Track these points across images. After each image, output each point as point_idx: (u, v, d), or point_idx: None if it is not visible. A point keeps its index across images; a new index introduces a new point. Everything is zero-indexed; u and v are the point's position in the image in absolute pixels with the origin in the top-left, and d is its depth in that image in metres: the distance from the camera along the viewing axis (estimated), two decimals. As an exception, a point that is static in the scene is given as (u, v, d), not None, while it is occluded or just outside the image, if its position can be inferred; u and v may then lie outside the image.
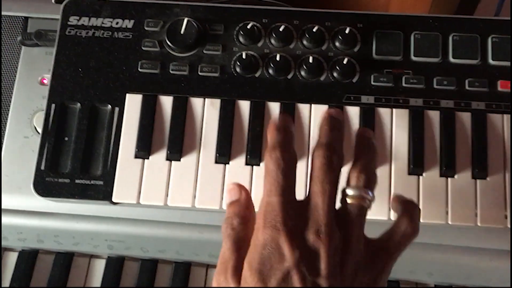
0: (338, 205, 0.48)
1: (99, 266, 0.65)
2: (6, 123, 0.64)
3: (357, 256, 0.45)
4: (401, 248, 0.48)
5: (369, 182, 0.48)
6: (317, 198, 0.45)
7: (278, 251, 0.43)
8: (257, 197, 0.55)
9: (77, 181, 0.57)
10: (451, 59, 0.60)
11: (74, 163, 0.58)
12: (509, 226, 0.55)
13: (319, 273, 0.43)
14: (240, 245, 0.47)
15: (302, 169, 0.57)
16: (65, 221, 0.62)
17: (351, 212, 0.47)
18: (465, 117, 0.58)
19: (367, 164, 0.49)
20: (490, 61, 0.59)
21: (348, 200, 0.47)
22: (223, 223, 0.49)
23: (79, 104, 0.59)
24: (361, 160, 0.49)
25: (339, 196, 0.48)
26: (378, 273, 0.46)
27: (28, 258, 0.65)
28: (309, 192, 0.47)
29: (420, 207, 0.55)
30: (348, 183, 0.48)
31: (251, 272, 0.44)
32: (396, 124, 0.58)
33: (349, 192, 0.47)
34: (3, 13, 0.67)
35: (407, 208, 0.50)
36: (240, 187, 0.51)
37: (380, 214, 0.56)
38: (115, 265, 0.64)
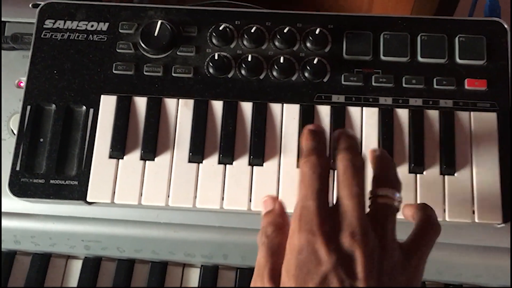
0: (367, 208, 0.48)
1: (76, 267, 0.65)
2: (-17, 126, 0.64)
3: (393, 257, 0.46)
4: (430, 247, 0.49)
5: (396, 184, 0.49)
6: (347, 202, 0.45)
7: (314, 255, 0.44)
8: (230, 194, 0.57)
9: (52, 181, 0.58)
10: (420, 59, 0.61)
11: (49, 163, 0.58)
12: (476, 220, 0.56)
13: (356, 276, 0.43)
14: (275, 251, 0.47)
15: (273, 167, 0.58)
16: (42, 222, 0.62)
17: (383, 212, 0.47)
18: (434, 115, 0.59)
19: (390, 168, 0.50)
20: (458, 60, 0.61)
21: (378, 201, 0.48)
22: (259, 233, 0.50)
23: (54, 106, 0.60)
24: (383, 165, 0.50)
25: (367, 199, 0.48)
26: (413, 273, 0.47)
27: (6, 259, 0.65)
28: (338, 197, 0.47)
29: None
30: (376, 184, 0.49)
31: (289, 277, 0.44)
32: (366, 123, 0.59)
33: (379, 192, 0.48)
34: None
35: (425, 211, 0.50)
36: (274, 198, 0.52)
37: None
38: (92, 265, 0.65)
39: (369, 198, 0.48)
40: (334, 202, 0.47)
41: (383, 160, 0.51)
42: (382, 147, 0.58)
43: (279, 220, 0.50)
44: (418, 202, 0.57)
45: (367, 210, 0.47)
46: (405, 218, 0.53)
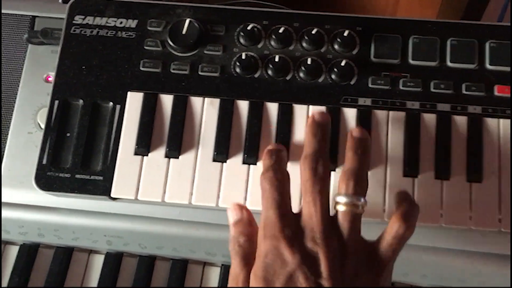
0: (332, 211, 0.50)
1: (98, 262, 0.66)
2: (11, 119, 0.65)
3: (355, 258, 0.48)
4: (395, 248, 0.49)
5: (360, 188, 0.50)
6: (310, 208, 0.49)
7: (279, 257, 0.47)
8: (253, 194, 0.57)
9: (77, 176, 0.58)
10: (449, 63, 0.60)
11: (75, 158, 0.59)
12: (502, 229, 0.55)
13: (320, 274, 0.46)
14: (248, 260, 0.50)
15: (297, 169, 0.57)
16: (66, 216, 0.63)
17: (344, 220, 0.49)
18: (461, 121, 0.58)
19: (357, 169, 0.51)
20: (488, 66, 0.60)
21: (340, 208, 0.50)
22: (230, 242, 0.52)
23: (81, 101, 0.61)
24: (351, 165, 0.51)
25: (332, 203, 0.50)
26: (378, 273, 0.48)
27: (29, 252, 0.66)
28: (302, 203, 0.50)
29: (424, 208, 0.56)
30: (339, 190, 0.50)
31: (257, 280, 0.47)
32: (392, 127, 0.59)
33: (340, 199, 0.50)
34: (10, 11, 0.69)
35: (402, 207, 0.51)
36: (241, 206, 0.55)
37: (375, 215, 0.56)
38: (114, 260, 0.65)
39: (334, 204, 0.50)
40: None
41: (355, 152, 0.52)
42: (408, 152, 0.57)
43: (249, 229, 0.52)
44: (444, 208, 0.56)
45: (333, 212, 0.50)
46: None
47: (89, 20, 0.64)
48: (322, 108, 0.59)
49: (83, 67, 0.62)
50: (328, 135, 0.55)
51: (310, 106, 0.60)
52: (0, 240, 0.66)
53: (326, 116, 0.55)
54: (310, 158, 0.51)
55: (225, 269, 0.65)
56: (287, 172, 0.52)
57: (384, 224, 0.55)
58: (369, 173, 0.57)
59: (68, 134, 0.60)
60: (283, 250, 0.47)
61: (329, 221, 0.49)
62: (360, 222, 0.50)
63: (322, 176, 0.50)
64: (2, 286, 0.64)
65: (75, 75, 0.62)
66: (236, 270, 0.50)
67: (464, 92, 0.59)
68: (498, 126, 0.58)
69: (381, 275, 0.48)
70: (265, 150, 0.55)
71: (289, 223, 0.49)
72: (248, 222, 0.53)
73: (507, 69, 0.60)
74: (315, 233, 0.48)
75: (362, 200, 0.50)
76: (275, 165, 0.52)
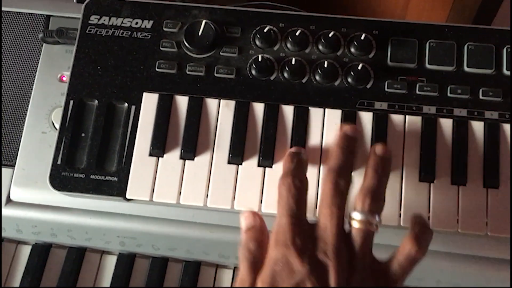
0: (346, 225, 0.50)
1: (111, 262, 0.65)
2: (25, 119, 0.65)
3: (364, 274, 0.48)
4: (405, 269, 0.50)
5: (376, 207, 0.50)
6: (326, 221, 0.49)
7: (288, 267, 0.47)
8: (268, 197, 0.57)
9: (92, 176, 0.58)
10: (466, 68, 0.60)
11: (89, 159, 0.59)
12: (519, 235, 0.55)
13: (328, 285, 0.46)
14: (257, 266, 0.49)
15: (313, 172, 0.57)
16: (79, 216, 0.63)
17: (357, 236, 0.49)
18: (478, 126, 0.58)
19: (375, 187, 0.51)
20: (505, 71, 0.60)
21: (355, 225, 0.50)
22: (240, 248, 0.51)
23: (96, 101, 0.61)
24: (369, 182, 0.52)
25: (347, 219, 0.50)
26: None
27: (41, 251, 0.65)
28: (318, 214, 0.50)
29: (430, 214, 0.56)
30: (355, 207, 0.51)
31: (263, 286, 0.47)
32: (408, 131, 0.59)
33: (356, 216, 0.50)
34: (25, 10, 0.69)
35: (416, 230, 0.51)
36: (254, 214, 0.54)
37: (390, 220, 0.56)
38: (126, 261, 0.65)
39: (348, 220, 0.50)
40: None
41: (375, 170, 0.52)
42: (424, 157, 0.57)
43: (260, 236, 0.52)
44: (460, 214, 0.56)
45: (347, 226, 0.50)
46: None
47: (105, 20, 0.63)
48: (338, 112, 0.59)
49: (99, 67, 0.62)
50: (355, 149, 0.54)
51: (326, 110, 0.60)
52: (0, 238, 0.65)
53: (356, 130, 0.55)
54: (334, 172, 0.51)
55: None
56: (306, 178, 0.52)
57: (400, 229, 0.55)
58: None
59: (83, 135, 0.60)
60: (293, 260, 0.47)
61: (342, 236, 0.49)
62: (372, 240, 0.50)
63: (342, 191, 0.50)
64: (15, 286, 0.64)
65: (90, 75, 0.61)
66: (243, 275, 0.49)
67: (481, 97, 0.59)
68: (515, 131, 0.58)
69: None
70: (287, 153, 0.55)
71: (302, 232, 0.49)
72: (260, 229, 0.53)
73: (524, 73, 0.59)
74: (327, 246, 0.48)
75: (377, 218, 0.50)
76: (294, 171, 0.52)
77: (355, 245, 0.49)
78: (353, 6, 1.10)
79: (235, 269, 0.65)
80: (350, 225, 0.50)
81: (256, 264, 0.50)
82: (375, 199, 0.50)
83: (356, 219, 0.50)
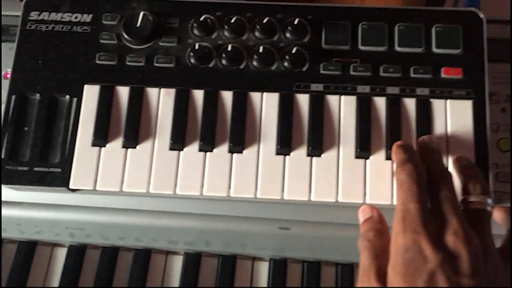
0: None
1: (61, 254, 0.66)
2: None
3: (495, 259, 0.48)
4: None
5: (486, 190, 0.52)
6: (445, 205, 0.49)
7: (421, 254, 0.46)
8: (210, 181, 0.58)
9: (35, 168, 0.59)
10: (397, 48, 0.62)
11: (33, 151, 0.60)
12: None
13: (463, 273, 0.45)
14: (378, 254, 0.49)
15: (253, 154, 0.59)
16: (27, 209, 0.64)
17: (479, 216, 0.50)
18: (410, 103, 0.60)
19: (478, 176, 0.53)
20: (434, 49, 0.62)
21: (473, 207, 0.51)
22: (359, 239, 0.51)
23: (38, 95, 0.61)
24: (471, 173, 0.54)
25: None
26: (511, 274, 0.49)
27: (-8, 247, 0.66)
28: (434, 203, 0.50)
29: (367, 190, 0.58)
30: (467, 193, 0.52)
31: (396, 275, 0.46)
32: (344, 111, 0.60)
33: (472, 199, 0.51)
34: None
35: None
36: (372, 207, 0.54)
37: (328, 196, 0.58)
38: (77, 253, 0.66)
39: (462, 205, 0.51)
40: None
41: (470, 168, 0.55)
42: (360, 135, 0.59)
43: (379, 225, 0.52)
44: (395, 187, 0.58)
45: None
46: (495, 220, 0.55)
47: (45, 16, 0.64)
48: (276, 95, 0.61)
49: (40, 62, 0.62)
50: (441, 150, 0.56)
51: (264, 94, 0.61)
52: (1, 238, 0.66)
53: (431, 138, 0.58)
54: (438, 160, 0.53)
55: (188, 257, 0.66)
56: (424, 167, 0.52)
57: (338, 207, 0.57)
58: (322, 156, 0.59)
59: (26, 128, 0.61)
60: (425, 246, 0.46)
61: (466, 221, 0.48)
62: (491, 223, 0.51)
63: (450, 177, 0.51)
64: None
65: (32, 70, 0.62)
66: (366, 264, 0.49)
67: (412, 75, 0.61)
68: (445, 107, 0.60)
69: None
70: (394, 146, 0.55)
71: (430, 219, 0.48)
72: (378, 219, 0.53)
73: (453, 51, 0.61)
74: (457, 229, 0.47)
75: (490, 201, 0.51)
76: (412, 158, 0.52)
77: (479, 227, 0.49)
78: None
79: (185, 254, 0.66)
80: (467, 210, 0.51)
81: (377, 252, 0.49)
82: (484, 184, 0.53)
83: (474, 201, 0.51)
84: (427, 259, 0.45)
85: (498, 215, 0.55)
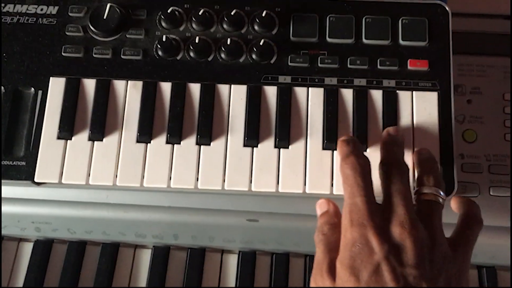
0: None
1: (28, 249, 0.66)
2: None
3: (442, 248, 0.48)
4: (475, 240, 0.52)
5: (440, 183, 0.53)
6: (396, 197, 0.49)
7: (367, 246, 0.47)
8: (178, 172, 0.58)
9: (-1, 162, 0.58)
10: (364, 40, 0.62)
11: (-3, 144, 0.59)
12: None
13: (408, 263, 0.46)
14: (332, 248, 0.50)
15: (221, 146, 0.59)
16: (-9, 204, 0.63)
17: (429, 207, 0.51)
18: (377, 95, 0.61)
19: (435, 169, 0.54)
20: (401, 41, 0.62)
21: (424, 198, 0.51)
22: (315, 232, 0.52)
23: (3, 88, 0.61)
24: (428, 166, 0.54)
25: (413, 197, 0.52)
26: (462, 264, 0.50)
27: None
28: (385, 194, 0.50)
29: (334, 180, 0.58)
30: (420, 184, 0.53)
31: (343, 268, 0.47)
32: (311, 102, 0.61)
33: (424, 190, 0.52)
34: None
35: (471, 207, 0.54)
36: (328, 200, 0.55)
37: (295, 187, 0.58)
38: (43, 247, 0.65)
39: (415, 196, 0.52)
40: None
41: (429, 161, 0.55)
42: (327, 126, 0.59)
43: (334, 219, 0.52)
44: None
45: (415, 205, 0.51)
46: (454, 210, 0.56)
47: (9, 8, 0.63)
48: (244, 87, 0.61)
49: (4, 54, 0.62)
50: (403, 143, 0.56)
51: (232, 86, 0.61)
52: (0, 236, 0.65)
53: (397, 130, 0.57)
54: (394, 153, 0.53)
55: (156, 250, 0.65)
56: (367, 158, 0.52)
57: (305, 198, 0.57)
58: (290, 147, 0.59)
59: (-10, 121, 0.60)
60: (371, 239, 0.47)
61: (414, 212, 0.49)
62: (441, 214, 0.51)
63: (405, 171, 0.52)
64: None
65: (-4, 62, 0.61)
66: (319, 258, 0.50)
67: (379, 67, 0.61)
68: (411, 98, 0.61)
69: (465, 266, 0.50)
70: (339, 141, 0.55)
71: (376, 211, 0.48)
72: (333, 213, 0.53)
73: (419, 43, 0.62)
74: (403, 220, 0.47)
75: (442, 193, 0.52)
76: (355, 151, 0.52)
77: (428, 218, 0.49)
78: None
79: (153, 248, 0.66)
80: (419, 201, 0.52)
81: (331, 246, 0.50)
82: (438, 176, 0.53)
83: (426, 192, 0.51)
84: (373, 251, 0.46)
85: (453, 205, 0.56)
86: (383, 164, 0.53)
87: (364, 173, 0.50)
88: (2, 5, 0.64)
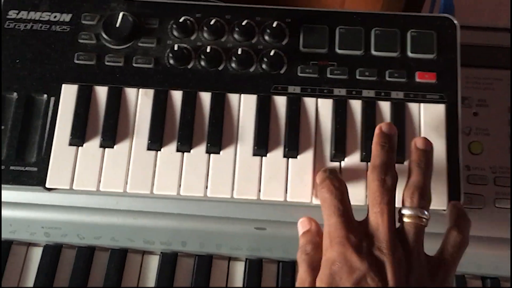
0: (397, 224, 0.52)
1: (37, 254, 0.66)
2: None
3: (420, 269, 0.49)
4: (455, 258, 0.52)
5: (423, 202, 0.52)
6: (377, 219, 0.50)
7: (347, 264, 0.48)
8: (188, 181, 0.58)
9: (11, 167, 0.59)
10: (373, 52, 0.63)
11: (9, 150, 0.59)
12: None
13: (387, 281, 0.47)
14: (314, 266, 0.51)
15: (230, 155, 0.59)
16: (2, 208, 0.63)
17: (409, 231, 0.51)
18: (385, 106, 0.61)
19: (421, 183, 0.52)
20: (409, 54, 0.63)
21: (405, 220, 0.51)
22: (298, 251, 0.53)
23: (15, 94, 0.61)
24: (415, 178, 0.53)
25: (396, 215, 0.52)
26: (441, 283, 0.50)
27: (-35, 247, 0.66)
28: (368, 213, 0.51)
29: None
30: (403, 203, 0.52)
31: (322, 285, 0.48)
32: (320, 113, 0.61)
33: (405, 212, 0.51)
34: None
35: (457, 221, 0.54)
36: (310, 219, 0.56)
37: (303, 197, 0.58)
38: (52, 252, 0.65)
39: (398, 216, 0.52)
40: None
41: (418, 164, 0.53)
42: (335, 137, 0.60)
43: (316, 238, 0.54)
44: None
45: (398, 224, 0.51)
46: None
47: (23, 14, 0.64)
48: (254, 97, 0.61)
49: (17, 60, 0.62)
50: (395, 146, 0.55)
51: (242, 95, 0.62)
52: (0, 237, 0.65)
53: (393, 127, 0.55)
54: (378, 169, 0.52)
55: (164, 257, 0.66)
56: (343, 181, 0.54)
57: (312, 207, 0.58)
58: (298, 157, 0.59)
59: (2, 127, 0.61)
60: (351, 257, 0.48)
61: (395, 232, 0.50)
62: (423, 235, 0.51)
63: (390, 188, 0.51)
64: None
65: (9, 69, 0.62)
66: (302, 277, 0.51)
67: (387, 79, 0.62)
68: (419, 110, 0.61)
69: (444, 283, 0.50)
70: (319, 172, 0.56)
71: (354, 230, 0.50)
72: (315, 232, 0.54)
73: (427, 56, 0.63)
74: (381, 243, 0.49)
75: (426, 213, 0.51)
76: (330, 176, 0.54)
77: (408, 240, 0.50)
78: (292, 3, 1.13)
79: (161, 254, 0.66)
80: (401, 221, 0.51)
81: (314, 265, 0.51)
82: (423, 194, 0.52)
83: (407, 214, 0.51)
84: (354, 268, 0.48)
85: (447, 211, 0.57)
86: (370, 166, 0.53)
87: (339, 195, 0.52)
88: (16, 11, 0.64)
